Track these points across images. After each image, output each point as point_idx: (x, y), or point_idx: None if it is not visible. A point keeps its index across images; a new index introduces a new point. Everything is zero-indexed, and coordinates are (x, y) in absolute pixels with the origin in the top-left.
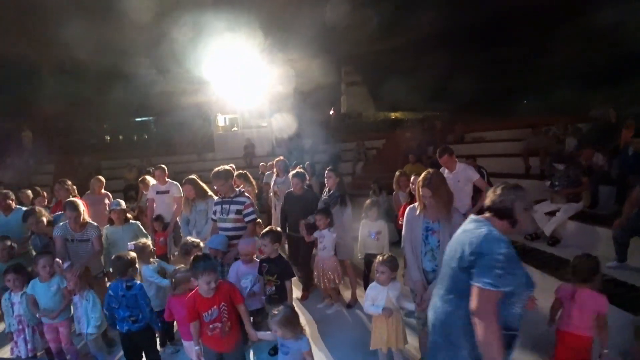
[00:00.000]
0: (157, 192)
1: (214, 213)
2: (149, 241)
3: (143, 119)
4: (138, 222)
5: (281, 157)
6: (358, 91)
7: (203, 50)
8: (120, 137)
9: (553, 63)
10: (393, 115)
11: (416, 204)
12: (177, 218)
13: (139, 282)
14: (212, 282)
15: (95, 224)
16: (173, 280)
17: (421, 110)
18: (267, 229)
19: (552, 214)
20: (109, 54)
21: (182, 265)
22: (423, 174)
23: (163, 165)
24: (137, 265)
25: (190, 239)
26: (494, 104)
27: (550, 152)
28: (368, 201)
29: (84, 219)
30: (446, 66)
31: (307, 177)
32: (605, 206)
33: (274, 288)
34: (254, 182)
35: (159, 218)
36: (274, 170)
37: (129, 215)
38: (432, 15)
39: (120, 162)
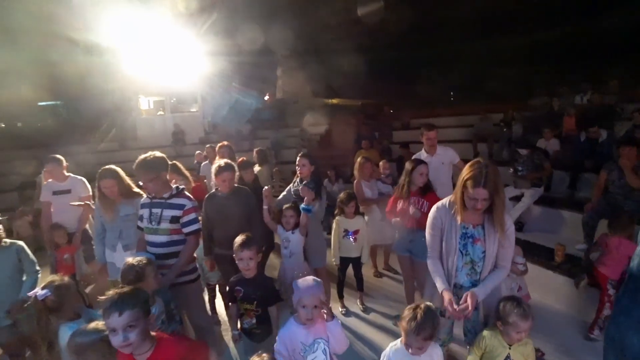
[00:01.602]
0: (54, 193)
1: (140, 219)
2: (60, 278)
3: (50, 103)
4: (20, 243)
5: (225, 142)
6: (294, 76)
7: (123, 23)
8: (19, 124)
9: (495, 51)
10: (331, 101)
11: (446, 200)
12: (87, 225)
13: None
14: (137, 334)
15: None
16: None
17: (360, 98)
18: (242, 238)
19: (516, 199)
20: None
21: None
22: (472, 165)
23: (58, 156)
24: None
25: (133, 260)
26: (439, 92)
27: (498, 138)
28: (342, 194)
29: None
30: (388, 53)
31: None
32: (557, 190)
33: (254, 320)
34: (188, 175)
35: (59, 227)
36: (217, 158)
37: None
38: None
39: (17, 153)
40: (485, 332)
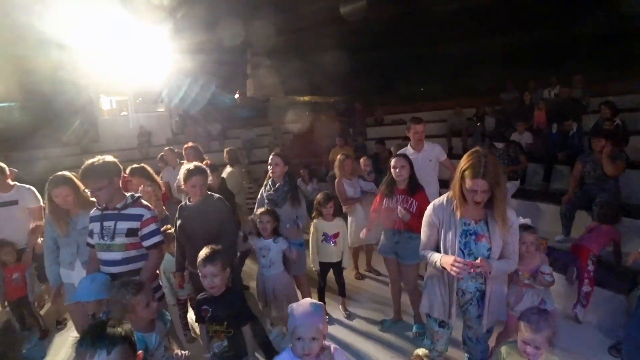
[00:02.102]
0: None
1: (90, 235)
2: None
3: (3, 104)
4: None
5: (191, 144)
6: (265, 74)
7: (80, 16)
8: None
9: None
10: (303, 98)
11: (444, 196)
12: (40, 240)
13: None
14: None
15: None
16: None
17: (331, 95)
18: (206, 252)
19: None
20: None
21: None
22: (470, 155)
23: (1, 164)
24: None
25: (117, 291)
26: (412, 88)
27: (472, 132)
28: (320, 195)
29: None
30: (361, 50)
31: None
32: (531, 182)
33: (225, 342)
34: (158, 180)
35: (5, 244)
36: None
37: None
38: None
39: None
40: (503, 348)
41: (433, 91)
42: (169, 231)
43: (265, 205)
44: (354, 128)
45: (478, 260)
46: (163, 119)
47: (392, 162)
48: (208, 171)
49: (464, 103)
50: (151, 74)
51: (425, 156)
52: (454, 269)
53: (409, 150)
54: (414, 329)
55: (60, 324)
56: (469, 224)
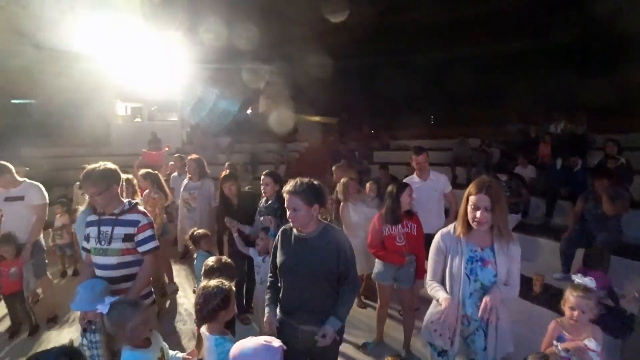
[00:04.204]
0: (6, 199)
1: (86, 239)
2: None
3: (22, 101)
4: None
5: (195, 155)
6: (278, 91)
7: (103, 21)
8: None
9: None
10: (315, 118)
11: (452, 225)
12: (41, 236)
13: None
14: None
15: None
16: None
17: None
18: (214, 262)
19: None
20: None
21: None
22: (476, 180)
23: (5, 163)
24: None
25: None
26: (418, 113)
27: (476, 162)
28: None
29: None
30: (371, 73)
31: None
32: (533, 216)
33: None
34: (167, 191)
35: (7, 239)
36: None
37: None
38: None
39: None
40: None
41: (438, 119)
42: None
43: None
44: (359, 151)
45: (483, 303)
46: (175, 128)
47: (409, 190)
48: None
49: (469, 132)
50: (167, 84)
51: (430, 186)
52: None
53: (414, 178)
54: (403, 354)
55: (51, 321)
56: (475, 250)
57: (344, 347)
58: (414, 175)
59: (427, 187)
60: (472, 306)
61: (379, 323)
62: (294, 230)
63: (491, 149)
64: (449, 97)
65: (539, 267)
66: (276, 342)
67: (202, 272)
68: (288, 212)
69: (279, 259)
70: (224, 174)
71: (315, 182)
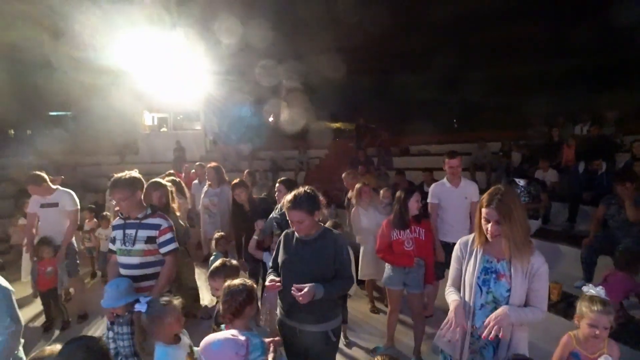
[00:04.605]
0: (42, 205)
1: (112, 241)
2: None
3: (60, 113)
4: (7, 289)
5: (214, 163)
6: (299, 98)
7: (132, 39)
8: (29, 131)
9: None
10: (334, 125)
11: (471, 235)
12: (73, 239)
13: None
14: None
15: None
16: None
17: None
18: (218, 264)
19: None
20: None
21: None
22: (489, 191)
23: (39, 173)
24: None
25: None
26: (438, 117)
27: (496, 167)
28: (329, 223)
29: None
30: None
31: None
32: (555, 222)
33: None
34: (187, 195)
35: (47, 242)
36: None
37: None
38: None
39: (18, 160)
40: None
41: (458, 122)
42: None
43: (274, 229)
44: (378, 156)
45: (487, 321)
46: (198, 136)
47: (417, 196)
48: None
49: (489, 136)
50: (191, 94)
51: (461, 193)
52: (448, 332)
53: (445, 184)
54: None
55: (81, 318)
56: (491, 262)
57: (354, 351)
58: (445, 180)
59: (458, 193)
60: (482, 317)
61: (389, 328)
62: (296, 233)
63: (512, 153)
64: (469, 101)
65: (559, 275)
66: (242, 337)
67: (208, 272)
68: (292, 225)
69: (280, 259)
70: (234, 182)
71: (309, 190)
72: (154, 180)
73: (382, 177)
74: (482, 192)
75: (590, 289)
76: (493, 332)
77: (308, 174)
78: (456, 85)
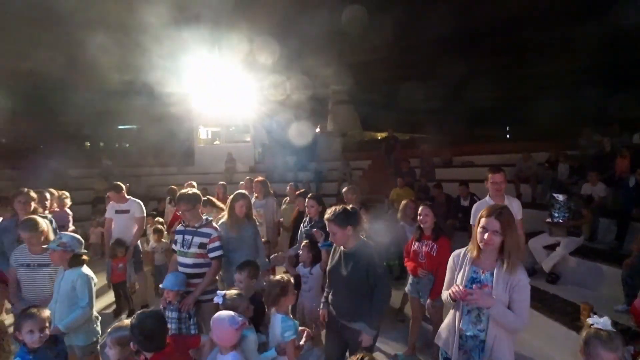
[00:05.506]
0: (117, 211)
1: (175, 243)
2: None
3: (127, 127)
4: (85, 273)
5: (260, 177)
6: (345, 110)
7: (190, 61)
8: (102, 144)
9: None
10: (379, 135)
11: (464, 249)
12: (138, 241)
13: None
14: None
15: None
16: None
17: (408, 132)
18: (244, 262)
19: (550, 247)
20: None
21: None
22: (490, 205)
23: (119, 183)
24: None
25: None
26: (483, 128)
27: (542, 179)
28: None
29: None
30: (436, 87)
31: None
32: (603, 240)
33: None
34: (221, 206)
35: (120, 243)
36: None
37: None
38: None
39: (91, 171)
40: None
41: (504, 133)
42: None
43: (304, 240)
44: (422, 169)
45: (474, 286)
46: (248, 148)
47: (419, 209)
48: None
49: (536, 147)
50: (241, 108)
51: None
52: (452, 292)
53: (488, 201)
54: None
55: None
56: (478, 273)
57: (375, 356)
58: (487, 198)
59: None
60: (467, 323)
61: (411, 335)
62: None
63: (559, 165)
64: (515, 110)
65: (600, 297)
66: (240, 318)
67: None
68: (330, 235)
69: (328, 267)
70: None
71: (349, 207)
72: (239, 191)
73: (422, 190)
74: (525, 206)
75: (595, 320)
76: (469, 297)
77: (352, 184)
78: (502, 94)
